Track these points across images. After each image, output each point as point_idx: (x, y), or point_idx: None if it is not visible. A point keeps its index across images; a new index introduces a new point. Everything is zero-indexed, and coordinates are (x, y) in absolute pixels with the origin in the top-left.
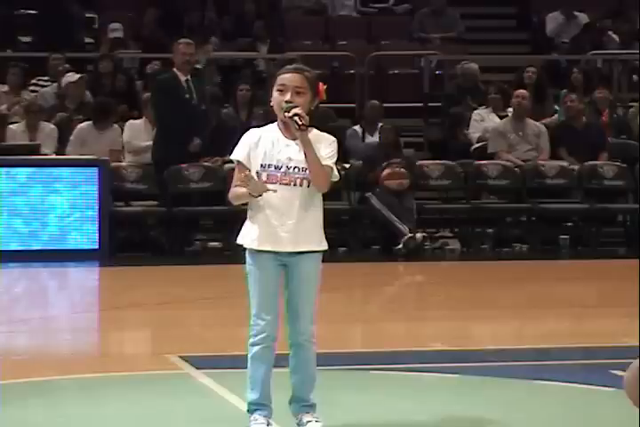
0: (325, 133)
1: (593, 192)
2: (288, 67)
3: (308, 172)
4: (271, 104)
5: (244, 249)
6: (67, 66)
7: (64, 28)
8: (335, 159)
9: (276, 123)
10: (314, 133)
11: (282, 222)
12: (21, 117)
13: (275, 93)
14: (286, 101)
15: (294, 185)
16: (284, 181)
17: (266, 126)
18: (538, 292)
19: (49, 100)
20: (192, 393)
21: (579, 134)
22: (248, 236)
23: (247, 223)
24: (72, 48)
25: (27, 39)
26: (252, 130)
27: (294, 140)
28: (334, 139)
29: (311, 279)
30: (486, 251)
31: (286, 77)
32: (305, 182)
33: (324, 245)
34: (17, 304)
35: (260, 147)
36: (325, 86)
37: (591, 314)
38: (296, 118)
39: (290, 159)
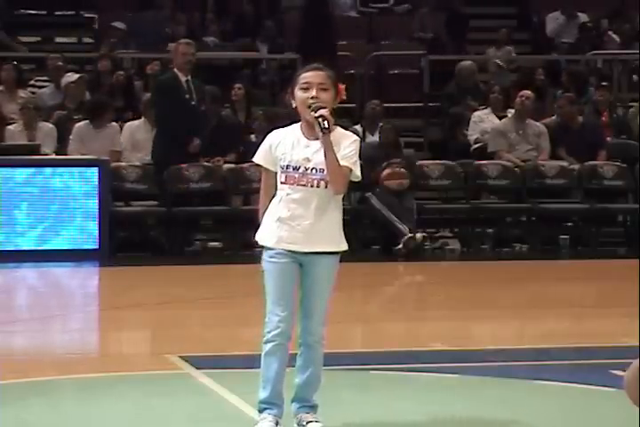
0: (348, 132)
1: (593, 192)
2: (309, 66)
3: (325, 173)
4: (293, 104)
5: (262, 246)
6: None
7: (324, 31)
8: (356, 159)
9: (299, 123)
10: (336, 132)
11: (298, 223)
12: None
13: (298, 92)
14: (312, 97)
15: (312, 186)
16: (302, 183)
17: (289, 126)
18: (538, 292)
19: (47, 100)
20: (192, 393)
21: (575, 134)
22: (265, 234)
23: (265, 221)
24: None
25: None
26: (274, 131)
27: (315, 139)
28: (356, 138)
29: (324, 280)
30: (486, 251)
31: (310, 75)
32: (322, 184)
33: (343, 247)
34: (17, 304)
35: (281, 148)
36: (344, 86)
37: (591, 314)
38: (320, 120)
39: (308, 160)
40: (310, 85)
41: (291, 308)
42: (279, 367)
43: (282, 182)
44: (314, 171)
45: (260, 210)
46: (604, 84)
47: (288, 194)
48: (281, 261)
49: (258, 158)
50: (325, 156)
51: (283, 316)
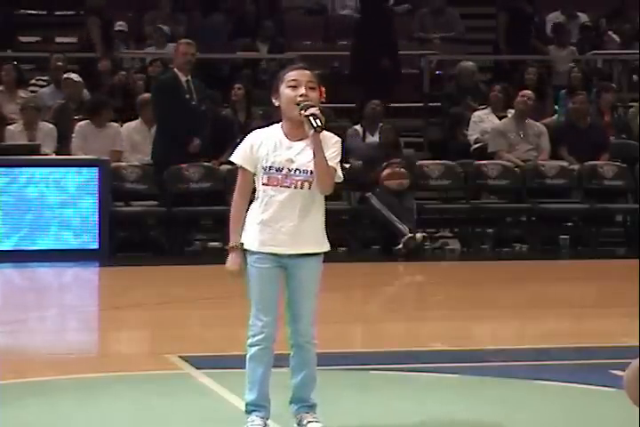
0: (329, 133)
1: (593, 192)
2: (294, 65)
3: (309, 174)
4: (276, 103)
5: (245, 249)
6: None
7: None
8: (339, 159)
9: (279, 124)
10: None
11: (282, 225)
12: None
13: (286, 90)
14: (301, 95)
15: (295, 188)
16: (286, 184)
17: (269, 127)
18: (538, 292)
19: (47, 100)
20: (192, 393)
21: (582, 134)
22: (248, 237)
23: (247, 224)
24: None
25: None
26: (254, 131)
27: (298, 140)
28: (338, 138)
29: (311, 281)
30: (486, 251)
31: (297, 73)
32: (306, 185)
33: (326, 247)
34: (17, 304)
35: (263, 149)
36: (323, 88)
37: (591, 314)
38: (311, 119)
39: (291, 162)
40: (298, 83)
41: (274, 312)
42: (265, 370)
43: (264, 184)
44: (297, 172)
45: (233, 210)
46: (612, 84)
47: (272, 196)
48: (264, 266)
49: (236, 158)
50: (315, 155)
51: (266, 321)
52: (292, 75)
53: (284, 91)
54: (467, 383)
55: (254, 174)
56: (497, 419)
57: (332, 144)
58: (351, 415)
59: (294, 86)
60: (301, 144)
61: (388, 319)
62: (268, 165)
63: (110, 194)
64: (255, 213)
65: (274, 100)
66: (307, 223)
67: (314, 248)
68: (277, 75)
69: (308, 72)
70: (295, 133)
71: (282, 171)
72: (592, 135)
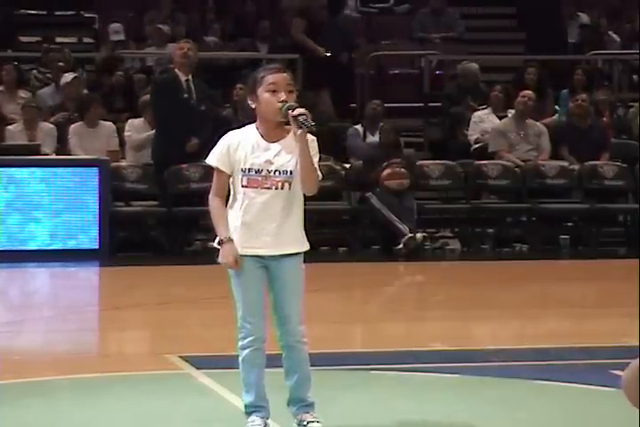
0: None
1: (593, 192)
2: (270, 66)
3: (289, 174)
4: (252, 105)
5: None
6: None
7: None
8: (317, 158)
9: (253, 125)
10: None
11: (264, 226)
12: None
13: (266, 95)
14: (281, 101)
15: (276, 189)
16: (266, 186)
17: (244, 129)
18: (538, 292)
19: (47, 100)
20: (192, 393)
21: (583, 134)
22: None
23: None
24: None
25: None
26: (230, 133)
27: (274, 142)
28: (314, 138)
29: (295, 280)
30: (486, 251)
31: (276, 77)
32: (286, 185)
33: (306, 246)
34: (17, 304)
35: (240, 151)
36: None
37: (591, 314)
38: (300, 118)
39: (270, 163)
40: (278, 87)
41: (261, 312)
42: (259, 371)
43: (244, 186)
44: (277, 173)
45: (215, 208)
46: (605, 83)
47: (252, 198)
48: (247, 266)
49: (212, 160)
50: (301, 154)
51: (254, 322)
52: (270, 78)
53: (264, 95)
54: (467, 383)
55: (229, 176)
56: (497, 419)
57: (309, 143)
58: (351, 415)
59: (274, 90)
60: (278, 146)
61: (388, 319)
62: (247, 167)
63: (110, 194)
64: (235, 216)
65: (250, 102)
66: (288, 224)
67: (295, 248)
68: (253, 76)
69: (285, 75)
70: (272, 135)
71: (261, 172)
72: (592, 135)
